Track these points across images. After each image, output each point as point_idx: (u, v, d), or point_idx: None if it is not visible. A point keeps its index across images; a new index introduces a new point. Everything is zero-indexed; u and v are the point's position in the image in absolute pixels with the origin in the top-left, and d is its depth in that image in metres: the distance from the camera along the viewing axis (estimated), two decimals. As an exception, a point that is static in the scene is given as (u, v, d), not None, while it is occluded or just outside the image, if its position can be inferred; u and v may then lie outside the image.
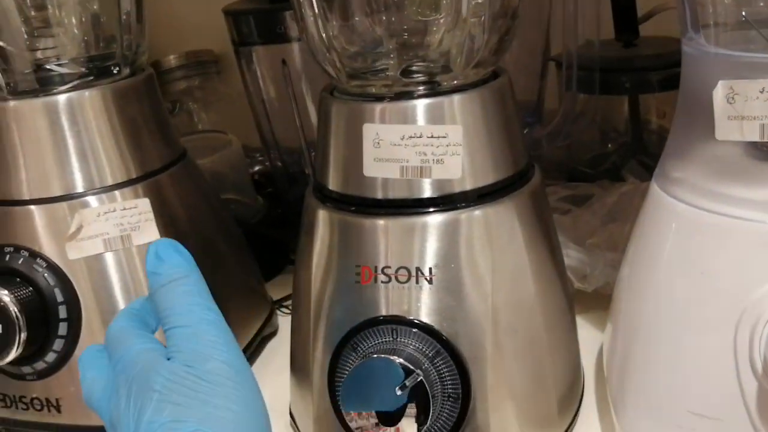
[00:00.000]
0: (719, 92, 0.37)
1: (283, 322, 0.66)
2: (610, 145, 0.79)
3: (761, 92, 0.36)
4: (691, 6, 0.42)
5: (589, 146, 0.79)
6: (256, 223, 0.76)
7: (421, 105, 0.43)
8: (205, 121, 0.95)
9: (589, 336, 0.57)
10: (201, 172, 0.60)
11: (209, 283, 0.56)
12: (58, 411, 0.51)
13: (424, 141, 0.42)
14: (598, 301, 0.58)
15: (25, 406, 0.51)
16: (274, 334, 0.65)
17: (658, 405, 0.41)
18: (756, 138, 0.36)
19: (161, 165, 0.54)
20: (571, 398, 0.49)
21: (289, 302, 0.68)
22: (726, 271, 0.38)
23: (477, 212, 0.44)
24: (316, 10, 0.44)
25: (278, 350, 0.63)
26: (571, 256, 0.60)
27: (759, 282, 0.37)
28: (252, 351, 0.61)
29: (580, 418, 0.50)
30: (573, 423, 0.49)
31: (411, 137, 0.42)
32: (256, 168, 0.88)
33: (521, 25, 0.48)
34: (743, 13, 0.39)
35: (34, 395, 0.51)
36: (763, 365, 0.37)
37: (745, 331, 0.37)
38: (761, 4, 0.39)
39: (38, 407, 0.51)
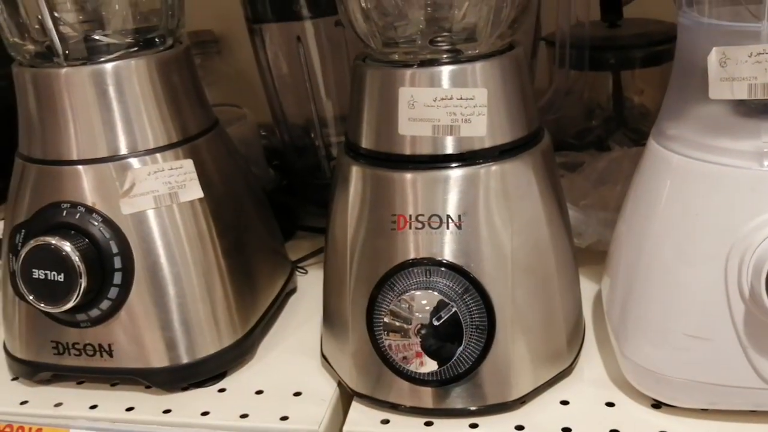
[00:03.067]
0: (713, 57, 0.44)
1: (301, 281, 0.72)
2: (594, 120, 0.85)
3: (749, 56, 0.42)
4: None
5: (575, 120, 0.85)
6: (268, 192, 0.80)
7: (447, 71, 0.49)
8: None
9: (584, 287, 0.63)
10: (231, 140, 0.64)
11: (241, 243, 0.61)
12: (110, 356, 0.55)
13: (454, 102, 0.48)
14: (591, 256, 0.65)
15: (77, 352, 0.56)
16: (294, 291, 0.70)
17: (657, 331, 0.48)
18: (744, 96, 0.43)
19: (198, 131, 0.59)
20: (576, 335, 0.55)
21: (306, 263, 0.74)
22: (718, 211, 0.45)
23: (498, 167, 0.49)
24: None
25: (299, 305, 0.68)
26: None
27: (746, 219, 0.43)
28: (277, 306, 0.66)
29: (583, 353, 0.56)
30: (577, 356, 0.55)
31: (443, 99, 0.48)
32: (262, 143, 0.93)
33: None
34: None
35: (87, 341, 0.55)
36: (749, 291, 0.43)
37: (735, 261, 0.44)
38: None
39: (90, 353, 0.55)
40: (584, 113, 0.83)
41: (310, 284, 0.71)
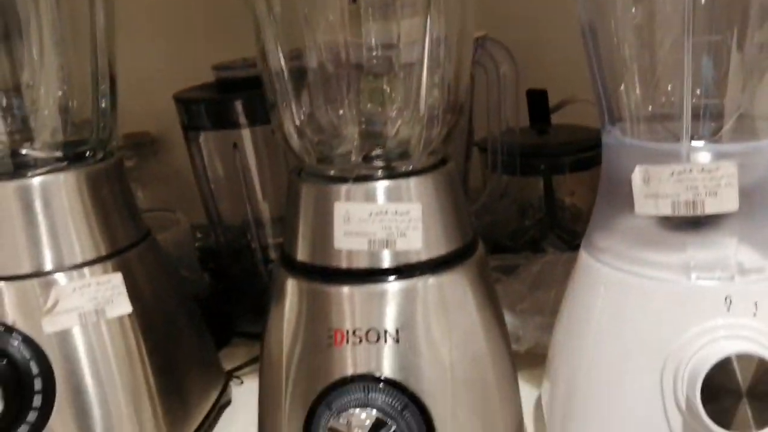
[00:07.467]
0: (637, 175, 0.45)
1: (236, 392, 0.69)
2: (527, 221, 0.87)
3: (671, 175, 0.44)
4: (608, 104, 0.50)
5: (509, 222, 0.87)
6: (203, 298, 0.79)
7: (382, 187, 0.49)
8: (142, 200, 0.98)
9: (524, 392, 0.62)
10: (163, 250, 0.63)
11: (173, 358, 0.59)
12: (29, 485, 0.51)
13: (389, 217, 0.48)
14: (530, 360, 0.65)
15: (-9, 482, 0.52)
16: (228, 403, 0.67)
17: (598, 445, 0.47)
18: (668, 213, 0.44)
19: (129, 243, 0.57)
20: (517, 446, 0.54)
21: (241, 372, 0.71)
22: (649, 324, 0.45)
23: (435, 279, 0.49)
24: (291, 104, 0.49)
25: (234, 419, 0.66)
26: (505, 320, 0.67)
27: (677, 332, 0.44)
28: (211, 420, 0.63)
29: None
30: (520, 468, 0.54)
31: (378, 214, 0.48)
32: (197, 245, 0.91)
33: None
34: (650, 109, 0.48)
35: (2, 470, 0.52)
36: (685, 402, 0.44)
37: (670, 374, 0.44)
38: (663, 99, 0.48)
39: (6, 482, 0.52)
40: (518, 216, 0.85)
41: (246, 394, 0.68)
